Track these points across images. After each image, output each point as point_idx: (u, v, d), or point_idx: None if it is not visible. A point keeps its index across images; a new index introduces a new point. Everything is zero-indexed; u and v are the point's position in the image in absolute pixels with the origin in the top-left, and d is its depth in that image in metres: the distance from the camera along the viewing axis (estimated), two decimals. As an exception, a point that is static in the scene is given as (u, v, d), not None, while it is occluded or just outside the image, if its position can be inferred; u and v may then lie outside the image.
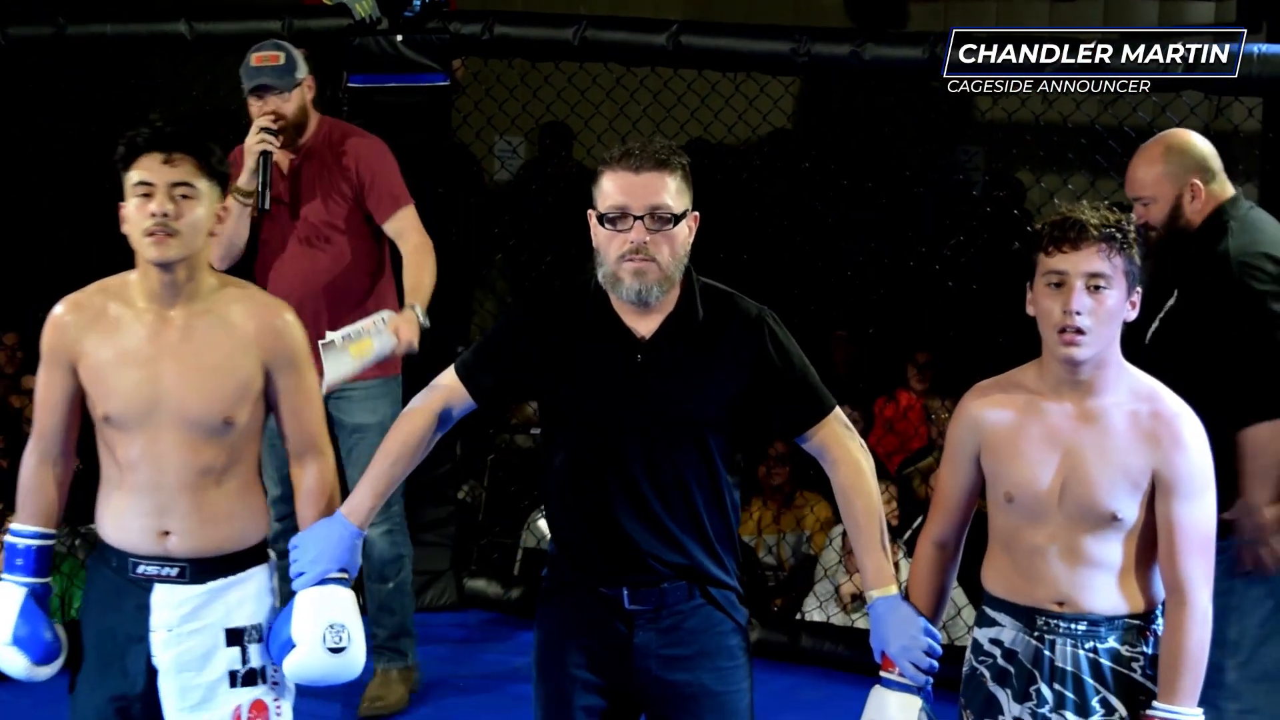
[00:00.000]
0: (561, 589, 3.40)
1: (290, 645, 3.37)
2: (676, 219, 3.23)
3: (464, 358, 3.43)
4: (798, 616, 5.89)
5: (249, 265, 5.14)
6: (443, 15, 5.84)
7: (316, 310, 5.01)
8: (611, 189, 3.22)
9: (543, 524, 6.55)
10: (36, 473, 3.47)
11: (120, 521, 3.41)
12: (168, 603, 3.41)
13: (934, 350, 7.52)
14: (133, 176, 3.31)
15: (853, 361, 7.87)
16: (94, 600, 3.49)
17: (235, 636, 3.45)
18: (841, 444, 3.38)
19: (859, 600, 5.78)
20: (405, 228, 5.10)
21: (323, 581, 3.37)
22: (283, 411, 3.47)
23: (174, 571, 3.40)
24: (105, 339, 3.37)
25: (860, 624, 5.71)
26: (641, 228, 3.21)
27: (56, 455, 3.46)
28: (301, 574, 3.38)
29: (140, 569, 3.41)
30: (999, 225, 6.72)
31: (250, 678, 3.46)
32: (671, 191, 3.22)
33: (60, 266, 7.42)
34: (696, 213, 3.30)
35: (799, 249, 7.61)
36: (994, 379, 3.37)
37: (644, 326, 3.30)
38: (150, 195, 3.29)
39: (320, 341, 4.81)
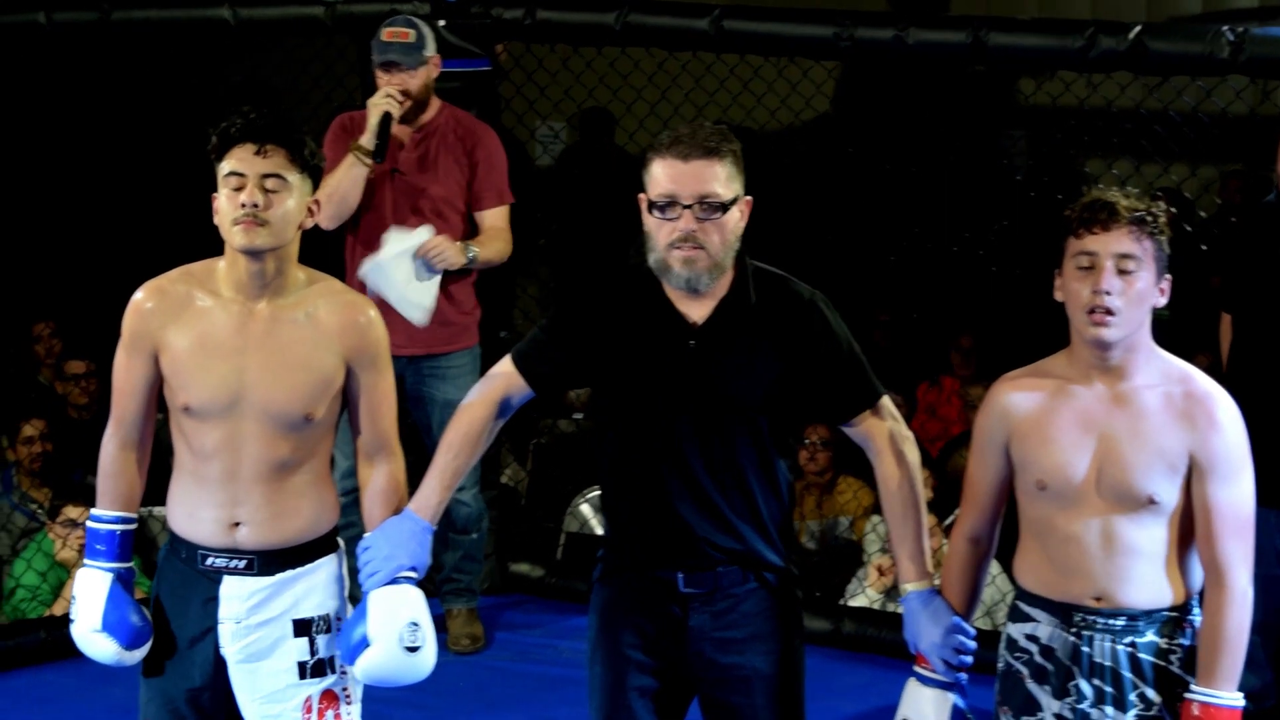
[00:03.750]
0: (616, 572, 3.42)
1: (365, 645, 3.34)
2: (725, 207, 3.22)
3: (521, 347, 3.42)
4: (840, 602, 5.90)
5: (336, 239, 5.31)
6: (485, 0, 5.85)
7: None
8: (661, 176, 3.23)
9: (585, 508, 6.59)
10: (116, 458, 3.47)
11: (191, 512, 3.43)
12: (236, 594, 3.42)
13: (978, 335, 7.51)
14: (224, 167, 3.32)
15: (895, 346, 7.87)
16: (165, 591, 3.50)
17: (303, 627, 3.45)
18: (886, 434, 3.37)
19: (888, 573, 5.78)
20: (498, 223, 5.37)
21: (394, 581, 3.36)
22: (359, 409, 3.47)
23: (242, 564, 3.41)
24: (189, 328, 3.37)
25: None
26: (690, 216, 3.21)
27: (136, 440, 3.47)
28: (374, 574, 3.36)
29: (209, 561, 3.42)
30: (1044, 209, 6.71)
31: (319, 668, 3.46)
32: (721, 179, 3.22)
33: (95, 254, 7.49)
34: (749, 198, 3.29)
35: (843, 233, 7.60)
36: (1021, 369, 3.36)
37: (696, 312, 3.30)
38: (241, 186, 3.30)
39: (360, 274, 5.10)
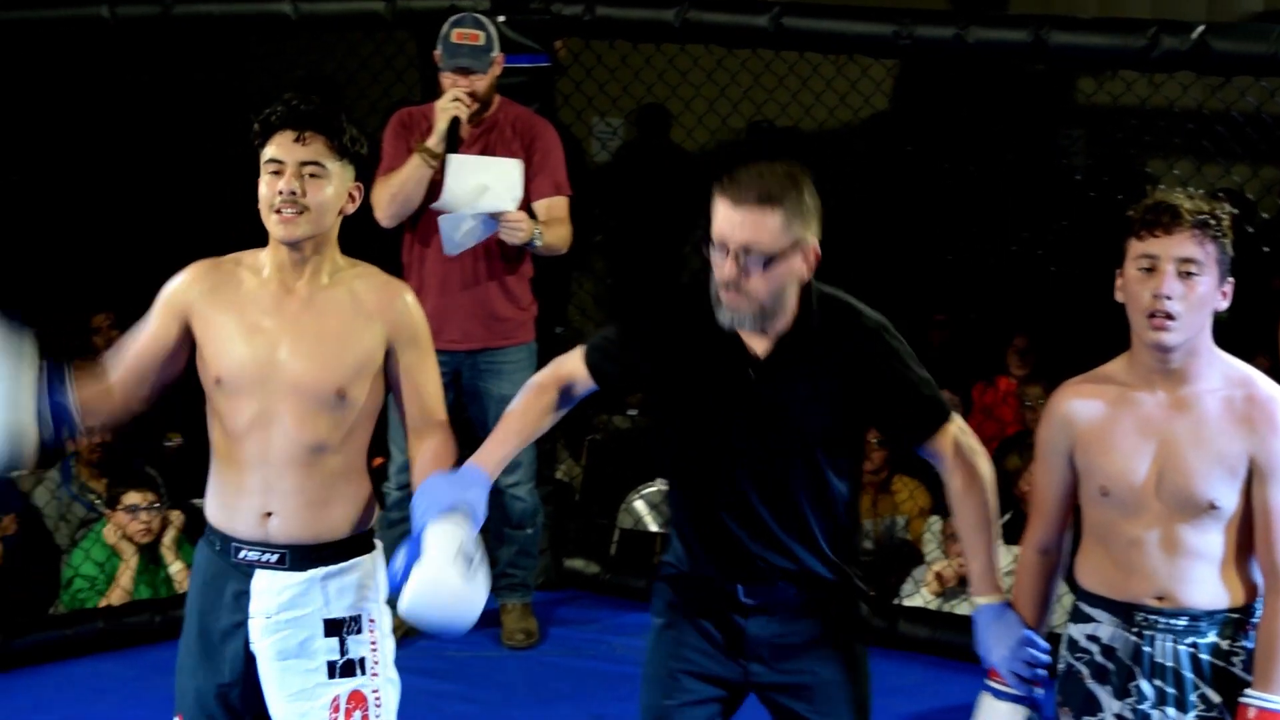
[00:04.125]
0: (678, 575, 3.43)
1: (410, 573, 3.19)
2: (773, 259, 3.13)
3: (594, 343, 3.39)
4: (895, 602, 5.88)
5: (392, 238, 5.34)
6: (544, -6, 5.86)
7: (478, 267, 5.34)
8: (717, 215, 3.16)
9: (639, 505, 6.59)
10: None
11: (224, 501, 3.43)
12: (268, 589, 3.40)
13: (1034, 336, 7.47)
14: (265, 154, 3.34)
15: (952, 345, 7.83)
16: (198, 583, 3.50)
17: (334, 627, 3.41)
18: (958, 451, 3.33)
19: (948, 583, 5.76)
20: (557, 213, 5.38)
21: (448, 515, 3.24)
22: (404, 389, 3.44)
23: (274, 557, 3.39)
24: (227, 300, 3.38)
25: (960, 609, 5.68)
26: (734, 265, 3.14)
27: (110, 371, 3.41)
28: (428, 508, 3.21)
29: (242, 554, 3.40)
30: (1103, 209, 6.67)
31: (349, 668, 3.42)
32: (771, 229, 3.12)
33: (155, 245, 7.52)
34: (814, 244, 3.19)
35: (900, 233, 7.57)
36: (1082, 375, 3.34)
37: (759, 344, 3.25)
38: (280, 173, 3.32)
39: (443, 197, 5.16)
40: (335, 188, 3.34)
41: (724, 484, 3.29)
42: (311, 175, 3.31)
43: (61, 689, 5.31)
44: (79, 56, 6.62)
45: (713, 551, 3.34)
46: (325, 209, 3.34)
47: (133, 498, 5.83)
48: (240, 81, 8.36)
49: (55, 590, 5.94)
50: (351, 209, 3.41)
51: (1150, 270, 3.15)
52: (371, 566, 3.47)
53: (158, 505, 5.87)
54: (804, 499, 3.29)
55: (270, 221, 3.33)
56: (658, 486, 6.50)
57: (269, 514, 3.38)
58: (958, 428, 3.34)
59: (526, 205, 5.32)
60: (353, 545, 3.45)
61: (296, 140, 3.32)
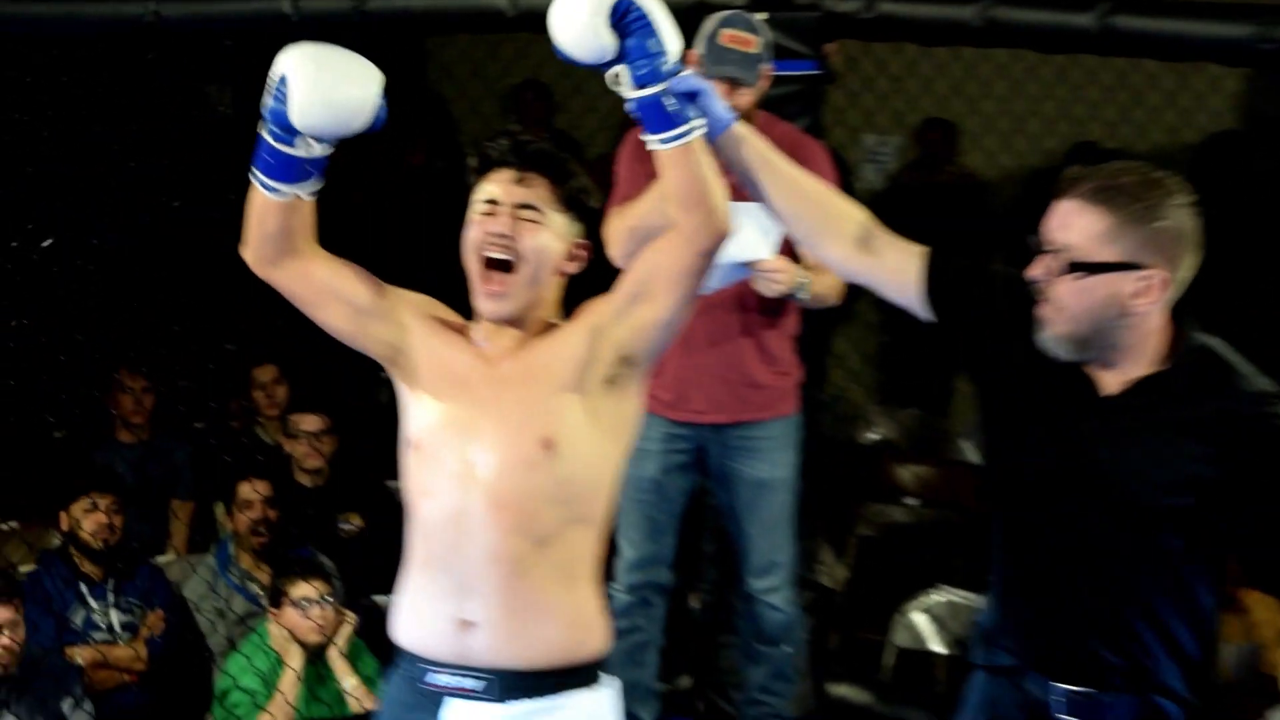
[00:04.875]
0: (988, 672, 3.44)
1: None
2: (1081, 267, 3.17)
3: (944, 258, 3.41)
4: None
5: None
6: (815, -12, 5.84)
7: (731, 323, 5.34)
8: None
9: (919, 618, 6.52)
10: None
11: (415, 608, 3.44)
12: None
13: None
14: (478, 193, 3.43)
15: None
16: (386, 713, 3.52)
17: None
18: None
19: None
20: None
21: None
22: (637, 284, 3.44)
23: (473, 684, 3.38)
24: (443, 353, 3.47)
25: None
26: (1044, 263, 3.20)
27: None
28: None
29: (433, 678, 3.41)
30: None
31: None
32: (1085, 230, 3.17)
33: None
34: (1161, 274, 3.17)
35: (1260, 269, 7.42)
36: None
37: (1111, 380, 3.25)
38: (493, 215, 3.40)
39: None
40: (555, 240, 3.41)
41: (1049, 543, 3.29)
42: (529, 220, 3.39)
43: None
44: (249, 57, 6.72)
45: (1033, 635, 3.35)
46: (540, 260, 3.40)
47: (303, 589, 5.88)
48: (431, 91, 8.51)
49: (207, 702, 6.03)
50: (574, 269, 3.47)
51: None
52: (598, 709, 3.45)
53: (328, 597, 5.90)
54: (1148, 584, 3.25)
55: (477, 290, 3.42)
56: (945, 595, 6.43)
57: (467, 623, 3.38)
58: None
59: (792, 247, 5.28)
60: (576, 675, 3.43)
61: (517, 180, 3.40)
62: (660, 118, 3.24)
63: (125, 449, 7.22)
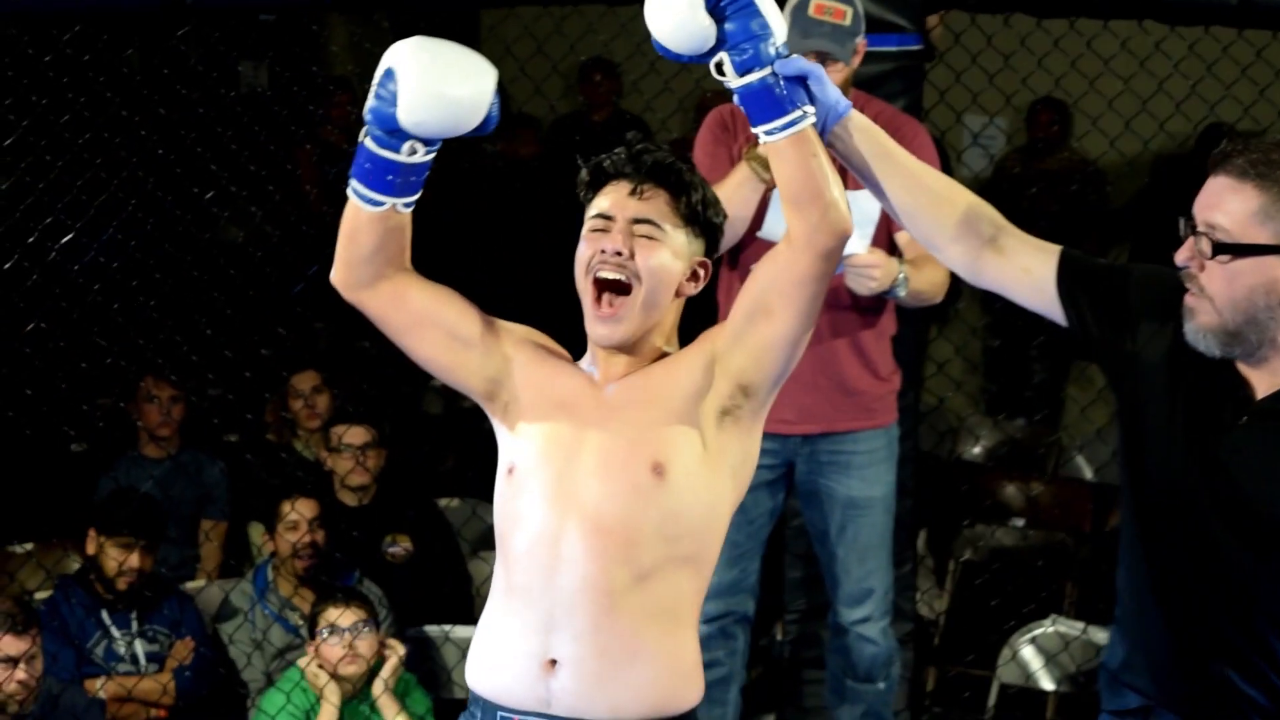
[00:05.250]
0: (1115, 717, 3.45)
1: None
2: (1233, 250, 3.17)
3: (1080, 255, 3.42)
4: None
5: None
6: (918, -46, 5.84)
7: (821, 326, 5.08)
8: None
9: (1028, 652, 6.51)
10: None
11: (494, 647, 3.43)
12: None
13: None
14: (591, 207, 3.44)
15: None
16: None
17: None
18: None
19: None
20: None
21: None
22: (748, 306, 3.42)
23: None
24: (548, 378, 3.49)
25: None
26: (1191, 246, 3.21)
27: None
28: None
29: None
30: None
31: None
32: (1235, 208, 3.18)
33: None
34: None
35: None
36: None
37: (1262, 382, 3.26)
38: (606, 230, 3.40)
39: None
40: (674, 259, 3.41)
41: (1183, 565, 3.30)
42: (645, 236, 3.38)
43: None
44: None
45: (1157, 662, 3.35)
46: (658, 280, 3.40)
47: (333, 615, 5.89)
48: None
49: (241, 742, 6.07)
50: (693, 290, 3.47)
51: None
52: None
53: (366, 624, 5.89)
54: None
55: (588, 312, 3.42)
56: (1055, 626, 6.41)
57: (553, 662, 3.37)
58: None
59: (888, 238, 5.27)
60: None
61: (633, 193, 3.40)
62: (768, 105, 3.22)
63: (151, 464, 7.21)
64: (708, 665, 5.36)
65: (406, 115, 3.26)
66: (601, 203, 3.41)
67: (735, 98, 3.26)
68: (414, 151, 3.33)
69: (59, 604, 6.20)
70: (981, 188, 8.51)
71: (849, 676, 5.56)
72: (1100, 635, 6.09)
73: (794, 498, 5.50)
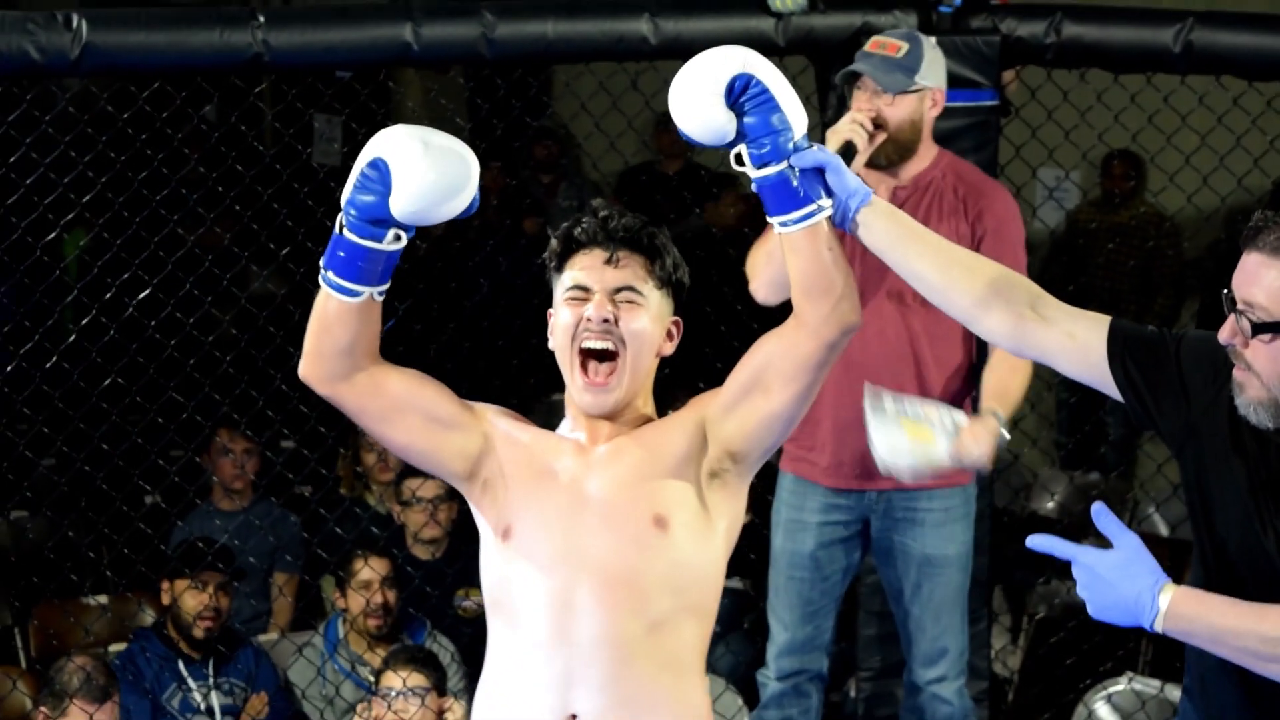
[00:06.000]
0: None
1: None
2: (1271, 328, 3.16)
3: (1127, 325, 3.41)
4: None
5: None
6: (992, 10, 5.81)
7: (903, 377, 5.25)
8: None
9: (1102, 709, 6.46)
10: None
11: (512, 702, 3.45)
12: None
13: None
14: (564, 278, 3.47)
15: None
16: None
17: None
18: None
19: None
20: None
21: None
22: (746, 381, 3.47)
23: None
24: (532, 444, 3.52)
25: None
26: (1232, 324, 3.19)
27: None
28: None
29: None
30: None
31: None
32: (1271, 288, 3.16)
33: (451, 339, 7.63)
34: None
35: None
36: None
37: None
38: (586, 300, 3.43)
39: (868, 393, 4.92)
40: (654, 322, 3.46)
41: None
42: (627, 302, 3.43)
43: None
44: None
45: None
46: (642, 344, 3.45)
47: (398, 677, 5.88)
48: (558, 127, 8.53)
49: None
50: (670, 350, 3.53)
51: None
52: None
53: (428, 690, 5.88)
54: None
55: (574, 381, 3.46)
56: (1130, 684, 6.37)
57: (573, 717, 3.41)
58: None
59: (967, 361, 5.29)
60: None
61: (608, 261, 3.44)
62: (783, 198, 3.27)
63: (225, 517, 7.25)
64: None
65: (403, 206, 3.28)
66: (578, 274, 3.45)
67: (753, 186, 3.29)
68: (397, 239, 3.34)
69: (135, 655, 6.23)
70: (1055, 241, 8.52)
71: None
72: (1176, 694, 6.03)
73: (869, 554, 5.48)
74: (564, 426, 3.56)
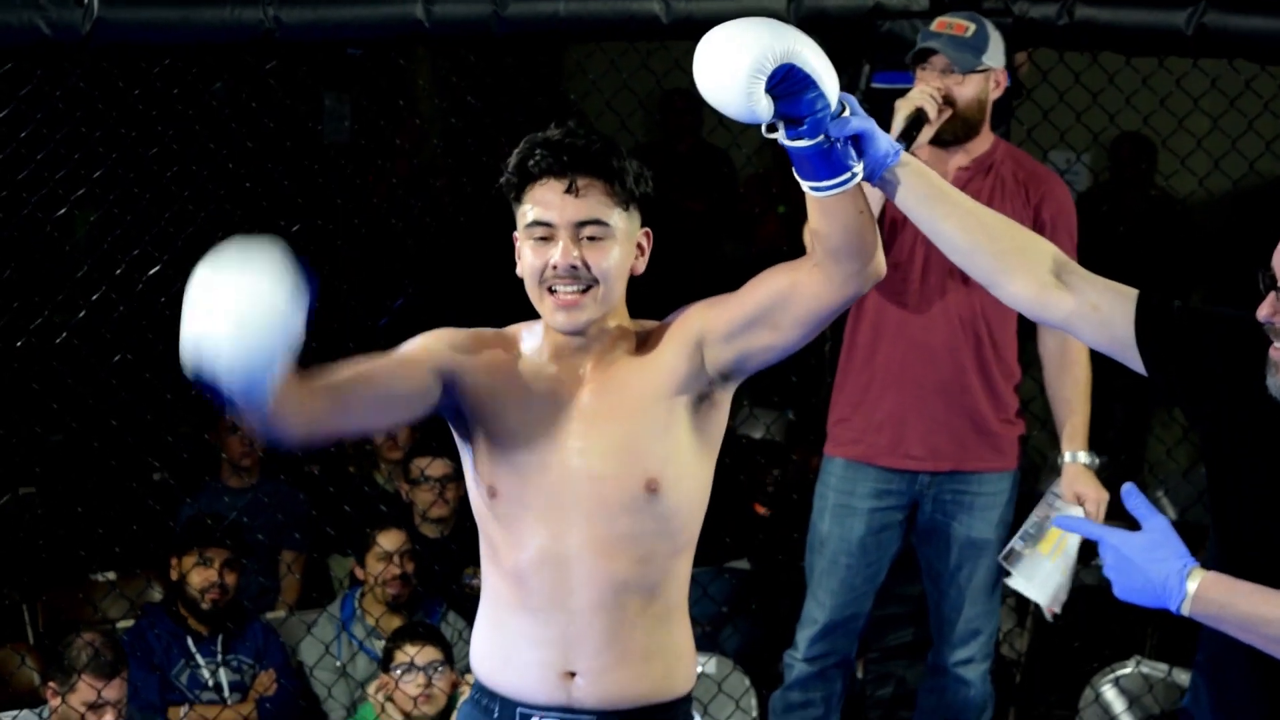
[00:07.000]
0: None
1: None
2: None
3: (1154, 299, 3.37)
4: None
5: None
6: (1006, -8, 5.81)
7: (961, 358, 5.28)
8: None
9: (1110, 693, 6.46)
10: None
11: (511, 655, 3.45)
12: None
13: None
14: (525, 212, 3.35)
15: None
16: None
17: None
18: None
19: None
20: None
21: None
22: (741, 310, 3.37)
23: None
24: (505, 387, 3.41)
25: None
26: (1272, 302, 3.16)
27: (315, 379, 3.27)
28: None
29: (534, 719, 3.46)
30: None
31: None
32: None
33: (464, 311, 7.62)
34: None
35: None
36: None
37: None
38: (549, 238, 3.32)
39: (1001, 559, 5.20)
40: (622, 247, 3.36)
41: None
42: (591, 238, 3.32)
43: None
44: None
45: (1236, 709, 3.37)
46: (614, 276, 3.36)
47: (410, 652, 5.88)
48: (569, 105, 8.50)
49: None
50: (642, 265, 3.43)
51: None
52: None
53: (441, 665, 5.90)
54: None
55: (544, 305, 3.36)
56: (1138, 667, 6.36)
57: (572, 674, 3.42)
58: None
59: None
60: (671, 710, 3.49)
61: (568, 191, 3.31)
62: (817, 167, 3.15)
63: (233, 494, 7.23)
64: (802, 705, 5.41)
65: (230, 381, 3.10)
66: (534, 208, 3.32)
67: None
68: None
69: (144, 631, 6.23)
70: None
71: (942, 718, 5.53)
72: (1184, 677, 6.03)
73: (913, 535, 5.47)
74: (536, 348, 3.44)
